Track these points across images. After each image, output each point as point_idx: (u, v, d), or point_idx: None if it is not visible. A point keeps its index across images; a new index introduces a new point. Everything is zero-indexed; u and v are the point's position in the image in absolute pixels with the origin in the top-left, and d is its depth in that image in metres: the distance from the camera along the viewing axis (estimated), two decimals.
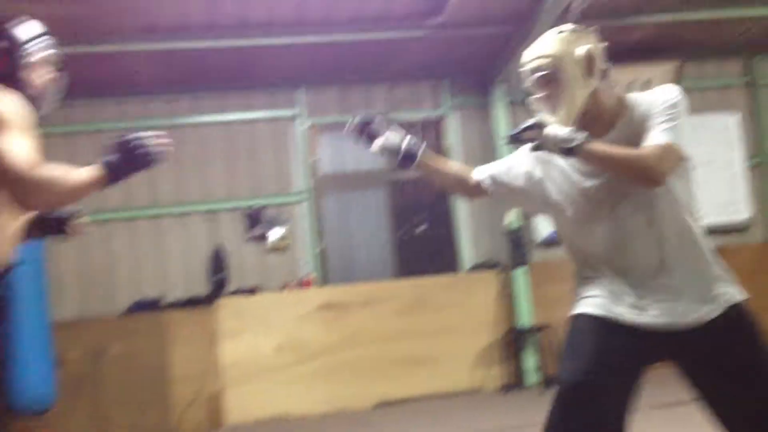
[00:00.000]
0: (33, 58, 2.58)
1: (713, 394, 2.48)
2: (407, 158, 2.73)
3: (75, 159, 8.21)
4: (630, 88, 7.85)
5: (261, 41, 6.90)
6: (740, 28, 7.95)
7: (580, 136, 2.41)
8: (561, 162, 2.59)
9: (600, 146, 2.43)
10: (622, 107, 2.55)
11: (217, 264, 7.56)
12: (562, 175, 2.60)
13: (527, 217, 7.94)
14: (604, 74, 2.56)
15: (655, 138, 2.41)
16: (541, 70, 2.52)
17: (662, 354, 2.51)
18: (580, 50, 2.50)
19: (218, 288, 7.49)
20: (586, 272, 2.61)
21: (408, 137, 2.76)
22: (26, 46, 2.56)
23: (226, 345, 7.08)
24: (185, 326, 7.10)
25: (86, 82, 7.30)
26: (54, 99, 2.72)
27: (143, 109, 7.79)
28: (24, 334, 5.56)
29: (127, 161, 2.50)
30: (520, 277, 7.76)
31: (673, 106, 2.47)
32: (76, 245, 7.48)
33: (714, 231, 8.35)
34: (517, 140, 2.48)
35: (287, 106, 8.01)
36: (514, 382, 7.55)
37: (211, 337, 7.09)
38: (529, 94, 2.60)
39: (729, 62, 8.71)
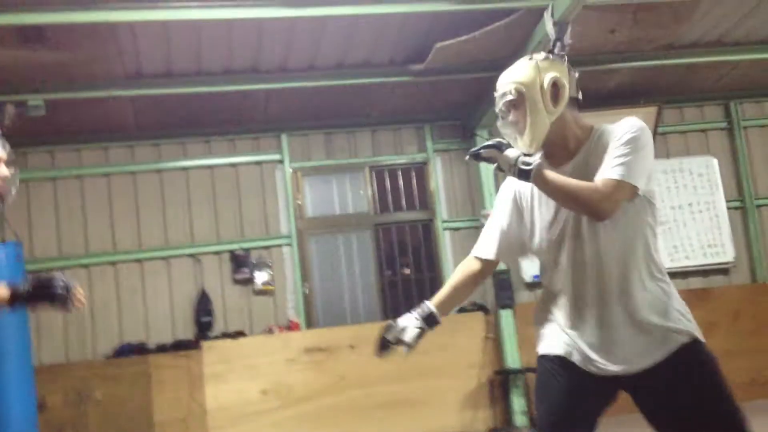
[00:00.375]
0: None
1: (665, 428, 2.53)
2: (428, 327, 2.81)
3: (59, 203, 8.19)
4: None
5: (246, 87, 6.98)
6: (718, 73, 8.11)
7: (536, 161, 2.45)
8: (531, 193, 2.65)
9: (553, 174, 2.47)
10: (587, 136, 2.59)
11: (203, 307, 7.54)
12: (531, 206, 2.66)
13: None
14: (574, 103, 2.61)
15: (607, 172, 2.43)
16: (509, 96, 2.58)
17: (619, 389, 2.56)
18: (548, 78, 2.54)
19: (203, 331, 7.45)
20: (549, 305, 2.66)
21: (408, 329, 2.79)
22: None
23: (211, 389, 7.03)
24: (170, 370, 7.04)
25: (72, 128, 7.36)
26: (13, 193, 2.77)
27: (129, 154, 7.83)
28: (7, 377, 5.51)
29: (35, 297, 2.60)
30: (507, 318, 7.77)
31: (632, 140, 2.46)
32: None
33: (698, 272, 8.52)
34: (476, 157, 2.54)
35: (272, 150, 8.07)
36: (502, 425, 7.52)
37: (195, 381, 7.04)
38: (500, 118, 2.65)
39: (708, 106, 8.85)
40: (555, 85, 2.55)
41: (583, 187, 2.44)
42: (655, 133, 8.26)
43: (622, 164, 2.42)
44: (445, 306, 2.84)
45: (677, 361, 2.46)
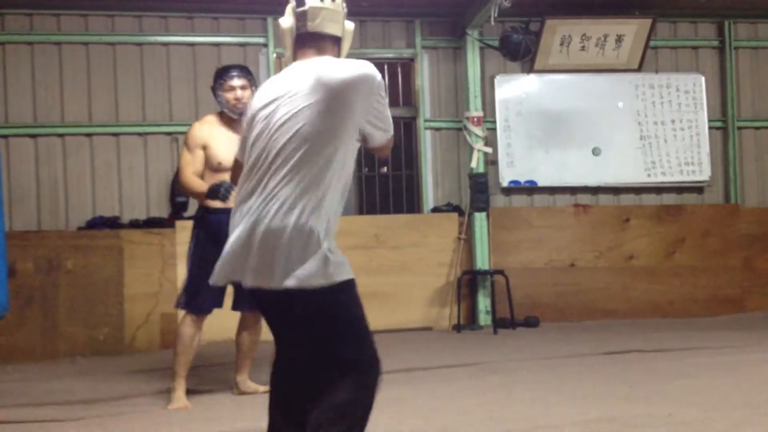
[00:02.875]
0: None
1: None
2: None
3: (36, 69, 7.98)
4: (603, 42, 7.88)
5: None
6: None
7: None
8: None
9: None
10: None
11: (178, 187, 7.49)
12: None
13: (491, 163, 8.00)
14: (302, 40, 2.90)
15: None
16: None
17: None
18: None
19: (178, 212, 7.44)
20: None
21: None
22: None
23: (182, 267, 7.03)
24: (142, 246, 7.05)
25: None
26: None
27: (109, 24, 7.62)
28: None
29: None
30: (481, 221, 7.85)
31: None
32: (35, 156, 7.38)
33: (672, 189, 8.61)
34: None
35: (257, 33, 7.88)
36: (466, 322, 7.70)
37: (168, 259, 7.08)
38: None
39: (702, 23, 8.74)
40: (284, 34, 2.91)
41: None
42: (646, 47, 8.18)
43: None
44: None
45: (301, 297, 2.70)
